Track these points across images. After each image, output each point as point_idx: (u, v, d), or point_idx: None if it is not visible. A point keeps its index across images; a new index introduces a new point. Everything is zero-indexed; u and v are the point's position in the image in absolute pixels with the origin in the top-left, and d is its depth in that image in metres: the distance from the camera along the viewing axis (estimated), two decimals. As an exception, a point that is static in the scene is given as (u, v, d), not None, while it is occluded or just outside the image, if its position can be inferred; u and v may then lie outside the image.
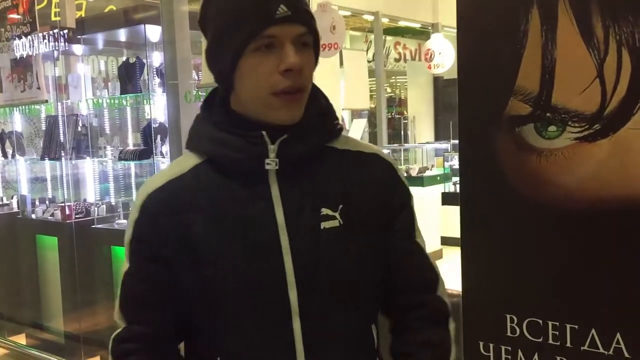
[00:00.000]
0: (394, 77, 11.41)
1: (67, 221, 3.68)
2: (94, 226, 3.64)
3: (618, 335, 1.43)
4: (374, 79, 7.56)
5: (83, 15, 6.62)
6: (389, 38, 9.49)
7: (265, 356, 1.05)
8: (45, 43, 3.57)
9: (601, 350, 1.45)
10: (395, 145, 7.76)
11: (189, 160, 1.08)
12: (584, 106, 1.44)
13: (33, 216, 4.08)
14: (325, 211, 1.06)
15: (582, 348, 1.48)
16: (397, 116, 9.72)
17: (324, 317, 1.05)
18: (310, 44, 1.03)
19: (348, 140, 1.16)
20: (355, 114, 6.06)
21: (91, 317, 3.62)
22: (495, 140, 1.55)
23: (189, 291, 1.05)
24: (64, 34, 3.56)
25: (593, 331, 1.46)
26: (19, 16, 3.58)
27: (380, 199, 1.12)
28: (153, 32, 3.12)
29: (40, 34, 3.60)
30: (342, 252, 1.06)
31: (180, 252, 1.04)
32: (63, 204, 3.75)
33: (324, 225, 1.05)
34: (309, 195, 1.06)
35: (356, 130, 4.95)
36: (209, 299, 1.05)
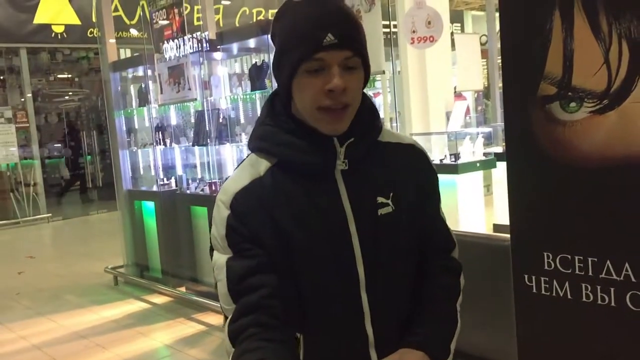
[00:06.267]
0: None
1: (214, 194, 4.20)
2: (235, 198, 4.26)
3: (627, 264, 1.72)
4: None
5: (221, 17, 7.41)
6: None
7: (340, 322, 1.18)
8: (193, 47, 4.19)
9: (614, 277, 1.75)
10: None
11: (262, 163, 1.18)
12: (595, 86, 1.74)
13: (188, 192, 4.71)
14: (380, 199, 1.18)
15: (600, 276, 1.77)
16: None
17: (385, 287, 1.19)
18: (358, 66, 1.12)
19: (387, 133, 1.27)
20: (456, 96, 6.27)
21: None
22: (531, 115, 1.87)
23: (279, 273, 1.13)
24: (206, 41, 4.25)
25: (608, 262, 1.76)
26: (172, 32, 4.31)
27: (418, 184, 1.25)
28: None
29: (189, 44, 4.25)
30: (396, 234, 1.19)
31: (272, 240, 1.13)
32: (210, 181, 4.37)
33: (380, 211, 1.18)
34: (367, 187, 1.18)
35: (457, 112, 5.19)
36: (295, 280, 1.15)
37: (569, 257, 1.85)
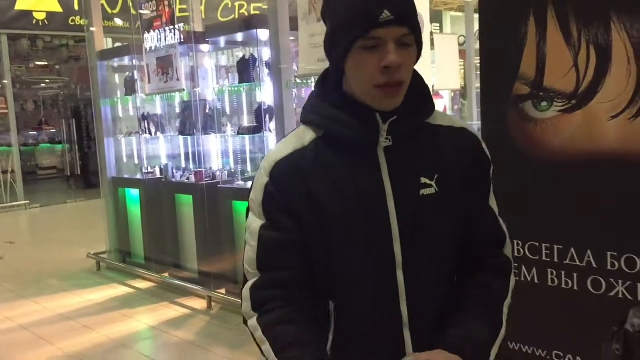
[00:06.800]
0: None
1: (200, 183, 4.38)
2: (219, 186, 4.29)
3: (589, 251, 1.87)
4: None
5: (203, 10, 7.45)
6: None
7: (374, 300, 1.15)
8: (175, 39, 4.26)
9: (577, 263, 1.89)
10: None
11: (308, 134, 1.18)
12: (565, 87, 1.87)
13: (173, 180, 4.79)
14: (423, 180, 1.15)
15: (564, 262, 1.91)
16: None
17: (422, 269, 1.16)
18: (412, 43, 1.10)
19: (440, 116, 1.24)
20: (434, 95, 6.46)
21: (219, 258, 4.27)
22: (506, 113, 2.00)
23: (313, 246, 1.14)
24: (194, 34, 4.33)
25: (572, 250, 1.90)
26: (162, 23, 4.36)
27: (467, 168, 1.20)
28: (263, 33, 3.76)
29: (170, 35, 4.31)
30: (438, 216, 1.16)
31: (308, 212, 1.13)
32: (196, 170, 4.46)
33: (423, 192, 1.15)
34: (410, 166, 1.16)
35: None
36: (329, 253, 1.14)
37: (537, 244, 2.00)
